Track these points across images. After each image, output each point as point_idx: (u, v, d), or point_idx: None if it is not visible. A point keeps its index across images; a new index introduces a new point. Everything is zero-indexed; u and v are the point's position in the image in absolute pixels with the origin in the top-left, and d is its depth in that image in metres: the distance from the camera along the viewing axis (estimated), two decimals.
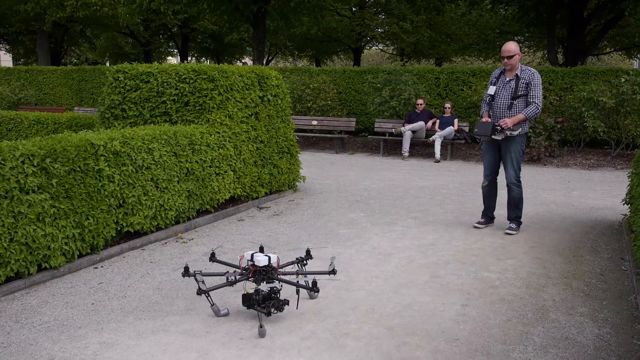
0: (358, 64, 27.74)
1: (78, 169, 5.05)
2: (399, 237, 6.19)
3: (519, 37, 26.20)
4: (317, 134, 14.08)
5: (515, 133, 6.08)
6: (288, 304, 3.96)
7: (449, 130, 12.41)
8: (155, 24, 26.86)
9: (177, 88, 6.99)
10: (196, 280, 4.06)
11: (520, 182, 6.27)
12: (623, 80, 11.73)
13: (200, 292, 4.00)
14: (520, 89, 6.04)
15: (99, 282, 4.77)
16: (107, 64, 35.45)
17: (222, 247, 5.79)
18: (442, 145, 12.37)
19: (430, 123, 12.84)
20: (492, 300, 4.38)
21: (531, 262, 5.34)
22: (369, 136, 14.00)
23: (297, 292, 4.01)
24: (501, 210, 6.97)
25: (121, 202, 5.53)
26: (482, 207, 6.80)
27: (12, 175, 4.49)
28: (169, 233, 6.16)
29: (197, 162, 6.53)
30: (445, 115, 12.85)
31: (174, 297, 4.42)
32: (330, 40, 27.58)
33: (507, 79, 6.16)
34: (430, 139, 12.46)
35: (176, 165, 6.23)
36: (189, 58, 33.45)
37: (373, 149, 14.13)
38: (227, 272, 4.28)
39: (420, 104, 13.03)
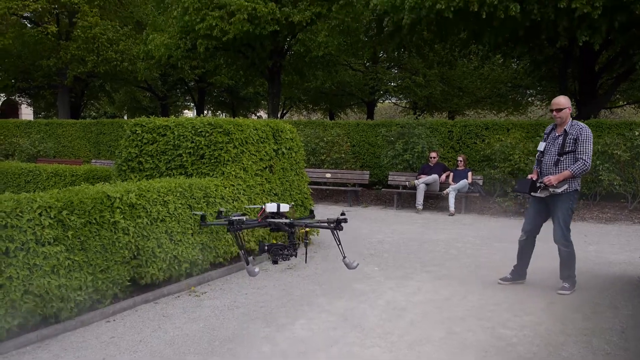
0: (371, 117, 28.05)
1: (94, 221, 5.09)
2: (413, 291, 6.11)
3: (531, 91, 26.46)
4: (330, 187, 14.12)
5: (559, 190, 5.87)
6: (295, 256, 4.62)
7: (463, 183, 12.40)
8: (173, 79, 27.52)
9: (193, 141, 7.09)
10: (236, 236, 4.79)
11: (568, 240, 6.02)
12: (637, 133, 11.72)
13: (244, 259, 4.71)
14: (568, 144, 5.87)
15: (110, 337, 4.73)
16: (125, 117, 36.19)
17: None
18: (456, 199, 12.32)
19: (444, 176, 12.84)
20: (510, 358, 4.27)
21: (549, 318, 5.22)
22: (382, 189, 13.99)
23: (305, 245, 4.59)
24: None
25: (135, 254, 5.54)
26: (499, 262, 6.69)
27: (29, 227, 4.54)
28: (182, 286, 6.13)
29: (211, 214, 6.55)
30: (459, 168, 12.86)
31: (186, 353, 4.37)
32: (344, 94, 28.02)
33: (557, 134, 6.02)
34: (444, 192, 12.44)
35: (191, 217, 6.26)
36: (205, 111, 34.05)
37: (387, 202, 14.11)
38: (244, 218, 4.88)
39: (434, 157, 13.07)
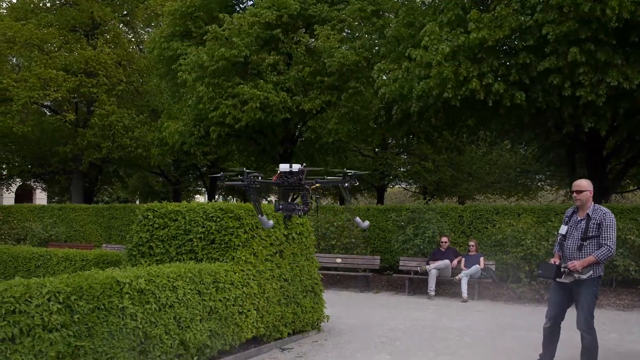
0: (381, 202, 28.16)
1: (102, 307, 5.05)
2: None
3: (540, 176, 26.60)
4: (341, 272, 13.98)
5: (585, 276, 5.76)
6: (307, 213, 5.18)
7: (475, 268, 12.24)
8: (186, 164, 27.98)
9: (204, 226, 7.12)
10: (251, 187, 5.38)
11: (591, 327, 5.87)
12: None
13: (257, 210, 5.35)
14: (591, 229, 5.80)
15: None
16: (137, 202, 36.57)
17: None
18: (468, 284, 12.13)
19: (455, 261, 12.70)
20: None
21: None
22: (393, 274, 13.82)
23: (316, 200, 4.97)
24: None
25: (142, 340, 5.44)
26: (514, 350, 6.51)
27: (37, 313, 4.50)
28: None
29: (220, 300, 6.48)
30: (471, 253, 12.74)
31: None
32: None
33: (579, 218, 5.96)
34: (456, 277, 12.26)
35: (199, 303, 6.19)
36: (217, 196, 34.36)
37: (398, 288, 13.90)
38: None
39: (445, 242, 12.99)
